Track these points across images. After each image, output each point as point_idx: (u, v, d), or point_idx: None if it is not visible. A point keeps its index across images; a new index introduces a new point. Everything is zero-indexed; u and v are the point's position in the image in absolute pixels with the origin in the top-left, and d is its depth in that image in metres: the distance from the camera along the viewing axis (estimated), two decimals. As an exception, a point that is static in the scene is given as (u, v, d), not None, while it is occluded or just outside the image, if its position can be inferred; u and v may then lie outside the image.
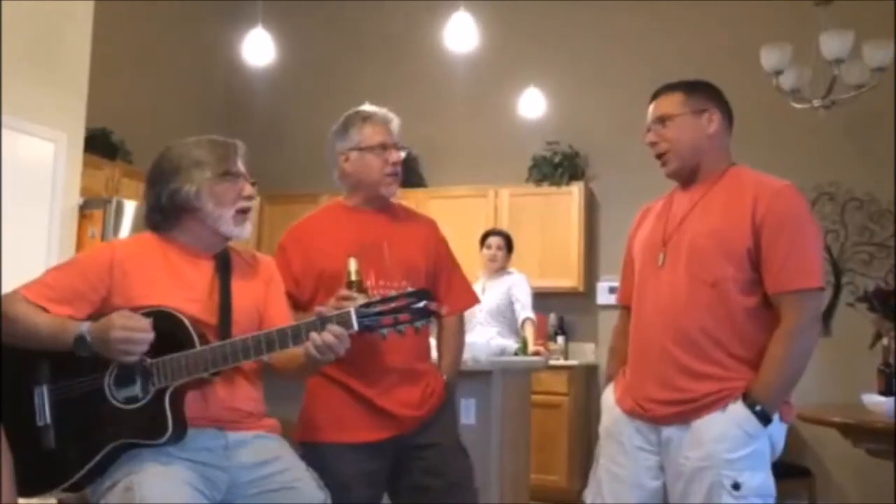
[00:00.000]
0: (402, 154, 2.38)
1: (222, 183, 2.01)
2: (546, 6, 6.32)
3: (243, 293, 2.03)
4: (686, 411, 1.96)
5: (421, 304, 1.83)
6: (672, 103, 2.15)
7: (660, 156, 2.16)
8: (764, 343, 1.95)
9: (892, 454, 3.30)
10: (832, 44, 4.23)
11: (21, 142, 4.07)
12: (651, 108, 2.20)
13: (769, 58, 4.48)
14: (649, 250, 2.15)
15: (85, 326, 1.84)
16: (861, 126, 5.36)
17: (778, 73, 4.51)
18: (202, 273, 2.02)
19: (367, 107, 2.42)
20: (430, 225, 2.51)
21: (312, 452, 2.19)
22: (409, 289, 1.91)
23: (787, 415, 2.00)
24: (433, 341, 2.50)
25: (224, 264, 2.05)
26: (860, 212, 5.46)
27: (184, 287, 1.97)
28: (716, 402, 1.94)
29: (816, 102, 4.53)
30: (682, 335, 2.00)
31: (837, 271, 5.47)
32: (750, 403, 1.91)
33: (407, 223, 2.43)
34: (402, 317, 1.83)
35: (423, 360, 2.37)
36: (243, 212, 2.04)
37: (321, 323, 1.85)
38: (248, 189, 2.05)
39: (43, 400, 1.88)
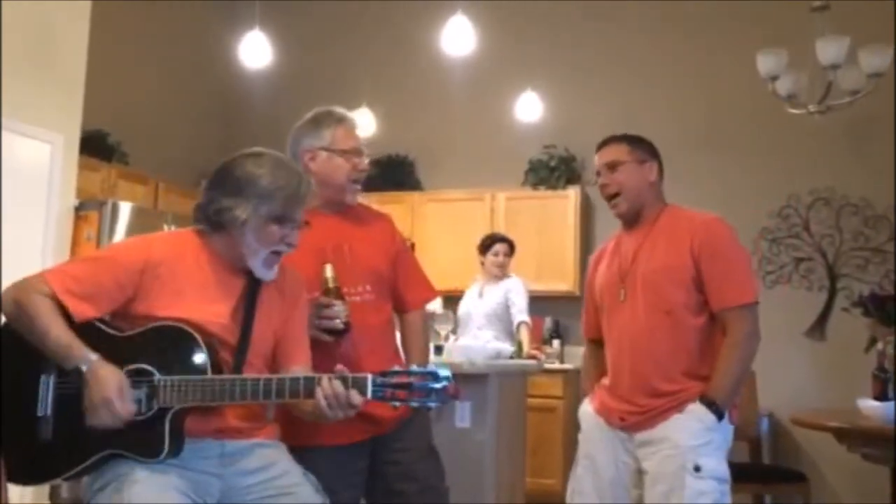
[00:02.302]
0: (363, 161, 2.35)
1: (272, 226, 1.93)
2: (543, 10, 6.34)
3: (266, 319, 1.98)
4: (650, 418, 2.30)
5: (439, 385, 1.78)
6: (619, 152, 2.46)
7: (610, 198, 2.46)
8: (713, 356, 2.29)
9: (886, 459, 3.30)
10: (828, 49, 4.24)
11: (17, 143, 4.07)
12: (598, 155, 2.50)
13: (765, 63, 4.49)
14: (610, 288, 2.46)
15: (88, 363, 1.77)
16: (856, 131, 5.38)
17: (774, 78, 4.51)
18: (231, 291, 1.96)
19: (339, 109, 2.39)
20: (387, 222, 2.48)
21: (295, 457, 2.19)
22: (432, 367, 1.85)
23: (734, 416, 2.33)
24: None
25: (253, 284, 1.99)
26: (855, 217, 5.47)
27: (209, 302, 1.91)
28: (674, 407, 2.27)
29: (812, 108, 4.54)
30: (647, 358, 2.32)
31: (832, 276, 5.49)
32: (706, 402, 2.24)
33: (366, 225, 2.39)
34: (418, 392, 1.78)
35: (396, 361, 2.33)
36: (278, 254, 1.97)
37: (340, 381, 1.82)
38: (294, 237, 1.97)
39: (47, 391, 1.85)
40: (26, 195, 4.16)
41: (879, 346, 3.77)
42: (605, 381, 2.46)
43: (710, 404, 2.23)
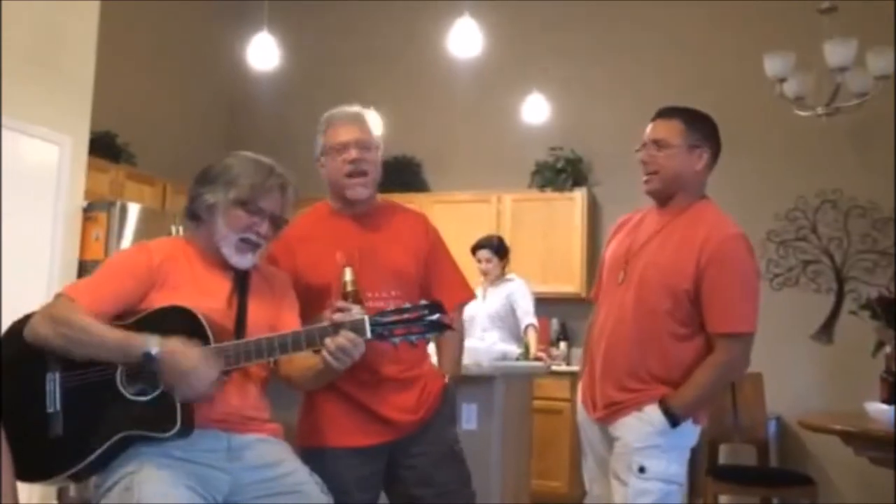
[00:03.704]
0: (363, 152, 2.27)
1: (239, 209, 2.01)
2: (549, 12, 6.33)
3: (258, 308, 2.04)
4: (613, 412, 2.27)
5: (434, 317, 1.86)
6: (672, 131, 2.29)
7: (647, 173, 2.33)
8: (685, 366, 2.21)
9: (894, 462, 3.29)
10: (836, 52, 4.23)
11: (26, 144, 4.09)
12: (651, 127, 2.34)
13: (773, 65, 4.49)
14: (614, 266, 2.38)
15: (153, 345, 1.81)
16: (864, 134, 5.37)
17: (782, 80, 4.51)
18: (221, 285, 2.04)
19: (338, 108, 2.37)
20: (417, 221, 2.43)
21: (312, 457, 2.18)
22: (424, 301, 1.91)
23: (702, 419, 2.29)
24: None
25: (242, 278, 2.06)
26: (863, 219, 5.45)
27: (204, 295, 1.98)
28: (634, 404, 2.23)
29: (820, 110, 4.54)
30: (620, 350, 2.27)
31: (840, 279, 5.47)
32: (664, 408, 2.19)
33: (393, 226, 2.36)
34: (415, 328, 1.86)
35: (419, 365, 2.33)
36: (248, 242, 2.03)
37: (334, 329, 1.88)
38: (264, 228, 2.04)
39: (55, 386, 1.88)
40: (35, 196, 4.18)
41: (887, 349, 3.77)
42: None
43: (666, 410, 2.18)
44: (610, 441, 2.29)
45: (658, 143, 2.29)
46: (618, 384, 2.26)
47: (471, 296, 2.54)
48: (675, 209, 2.30)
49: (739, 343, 2.20)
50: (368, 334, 1.87)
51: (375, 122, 2.41)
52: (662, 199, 2.34)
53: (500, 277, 5.05)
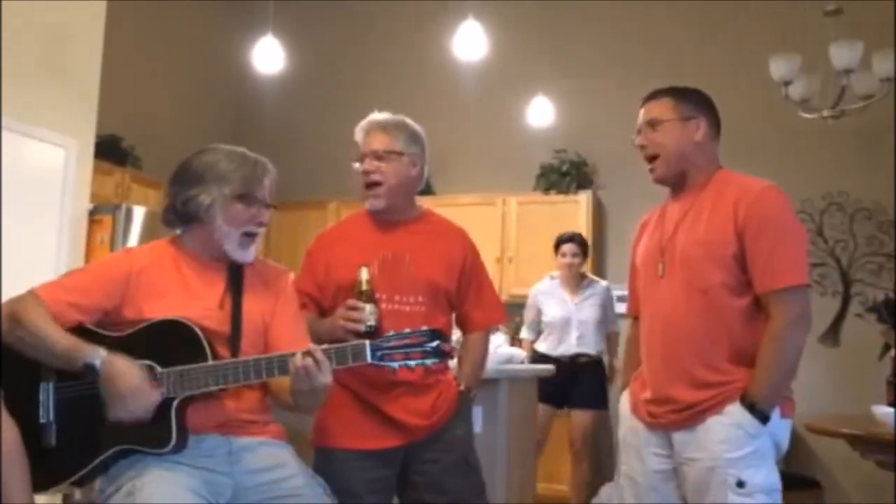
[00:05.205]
0: (375, 163, 2.29)
1: (237, 204, 2.00)
2: (555, 15, 6.34)
3: (253, 305, 2.03)
4: (689, 416, 2.03)
5: (434, 344, 1.86)
6: (662, 108, 2.20)
7: (649, 160, 2.21)
8: (758, 343, 1.99)
9: (894, 466, 3.28)
10: (842, 54, 4.23)
11: (31, 147, 4.09)
12: (641, 112, 2.25)
13: (778, 68, 4.49)
14: (649, 261, 2.21)
15: (99, 358, 1.81)
16: (870, 136, 5.35)
17: (787, 83, 4.51)
18: (214, 284, 2.02)
19: (371, 115, 2.39)
20: (459, 238, 2.45)
21: (325, 457, 2.21)
22: (425, 327, 1.91)
23: (788, 409, 2.06)
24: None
25: (236, 275, 2.05)
26: (869, 222, 5.44)
27: (195, 298, 1.97)
28: (715, 405, 1.99)
29: (825, 112, 4.53)
30: (681, 342, 2.06)
31: (846, 281, 5.45)
32: (747, 404, 1.96)
33: (433, 236, 2.38)
34: (415, 354, 1.86)
35: (440, 372, 2.33)
36: (250, 235, 2.03)
37: (335, 352, 1.86)
38: (263, 216, 2.03)
39: (48, 397, 1.88)
40: (40, 199, 4.18)
41: (893, 352, 3.75)
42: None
43: (751, 406, 1.95)
44: (670, 448, 2.08)
45: (651, 124, 2.19)
46: (691, 380, 2.03)
47: (503, 319, 2.58)
48: (695, 188, 2.15)
49: (794, 298, 1.98)
50: (368, 359, 1.85)
51: (411, 131, 2.37)
52: (674, 182, 2.20)
53: (583, 278, 4.96)
